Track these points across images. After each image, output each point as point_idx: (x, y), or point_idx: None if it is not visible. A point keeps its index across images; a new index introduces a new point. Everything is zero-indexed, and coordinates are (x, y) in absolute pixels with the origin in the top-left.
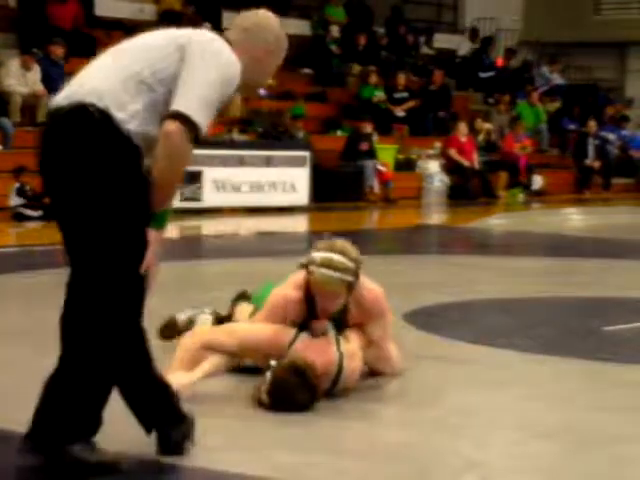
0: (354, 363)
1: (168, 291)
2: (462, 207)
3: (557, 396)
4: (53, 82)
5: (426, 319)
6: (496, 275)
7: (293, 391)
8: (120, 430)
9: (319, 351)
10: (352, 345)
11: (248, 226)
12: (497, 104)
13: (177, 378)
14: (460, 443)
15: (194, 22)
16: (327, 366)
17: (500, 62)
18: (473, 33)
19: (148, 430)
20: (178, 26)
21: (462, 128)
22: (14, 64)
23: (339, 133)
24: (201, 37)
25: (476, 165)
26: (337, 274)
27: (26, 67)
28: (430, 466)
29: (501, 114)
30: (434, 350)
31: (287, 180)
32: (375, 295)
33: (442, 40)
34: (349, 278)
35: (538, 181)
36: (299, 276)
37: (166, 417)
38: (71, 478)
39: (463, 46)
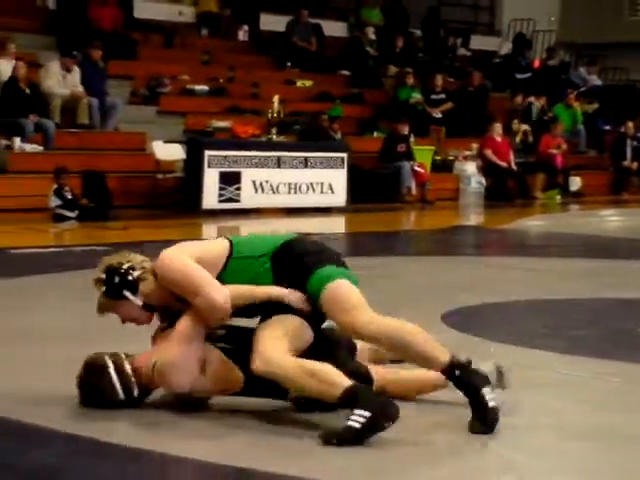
0: (162, 355)
1: None
2: (499, 208)
3: (594, 397)
4: (93, 84)
5: (463, 320)
6: (533, 276)
7: (89, 386)
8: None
9: (156, 348)
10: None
11: (286, 227)
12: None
13: None
14: (497, 444)
15: (231, 24)
16: (146, 362)
17: (537, 63)
18: (514, 35)
19: None
20: (216, 28)
21: (497, 129)
22: (54, 66)
23: (376, 134)
24: None
25: (512, 166)
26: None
27: (66, 69)
28: (467, 467)
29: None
30: (471, 351)
31: (325, 181)
32: (159, 263)
33: (479, 41)
34: (101, 290)
35: (576, 182)
36: None
37: None
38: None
39: (503, 47)
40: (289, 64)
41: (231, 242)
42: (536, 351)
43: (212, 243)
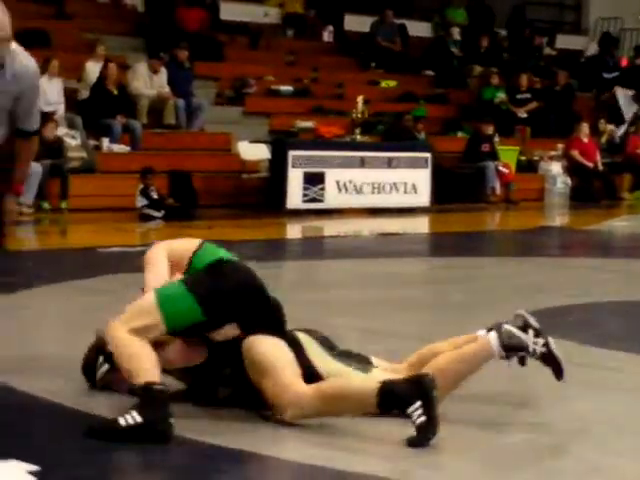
0: None
1: (290, 290)
2: (585, 209)
3: None
4: (179, 85)
5: (547, 321)
6: (618, 278)
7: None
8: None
9: None
10: None
11: (369, 227)
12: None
13: None
14: (582, 447)
15: (316, 25)
16: None
17: (624, 62)
18: (601, 33)
19: None
20: (301, 29)
21: (584, 129)
22: (141, 68)
23: (460, 134)
24: None
25: (599, 166)
26: None
27: (153, 70)
28: (553, 470)
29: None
30: None
31: (408, 181)
32: None
33: (565, 41)
34: None
35: None
36: None
37: None
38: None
39: (590, 48)
40: (373, 64)
41: (202, 243)
42: (619, 353)
43: (186, 240)
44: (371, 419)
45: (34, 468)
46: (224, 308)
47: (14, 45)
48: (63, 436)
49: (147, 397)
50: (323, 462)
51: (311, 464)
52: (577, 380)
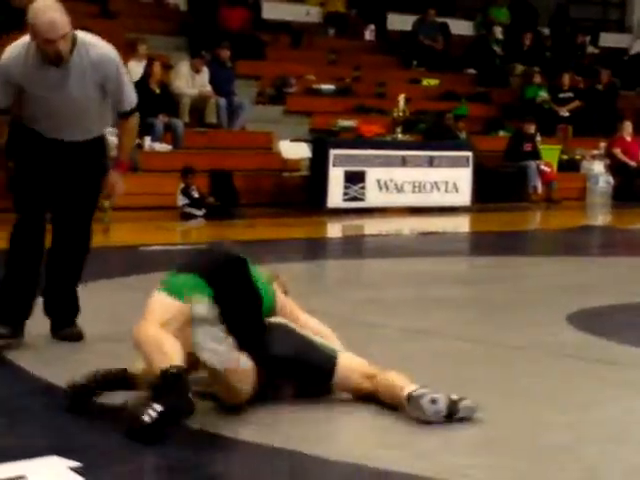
0: None
1: (331, 289)
2: (627, 208)
3: None
4: (221, 84)
5: (589, 321)
6: None
7: None
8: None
9: None
10: None
11: (410, 226)
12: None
13: None
14: (621, 448)
15: (358, 24)
16: None
17: None
18: None
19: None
20: (342, 28)
21: (627, 128)
22: (184, 67)
23: (501, 133)
24: None
25: None
26: None
27: (195, 70)
28: (591, 470)
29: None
30: (596, 353)
31: (449, 180)
32: None
33: (608, 39)
34: None
35: None
36: None
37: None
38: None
39: (634, 45)
40: (415, 63)
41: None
42: None
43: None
44: (398, 416)
45: (75, 464)
46: (221, 276)
47: (87, 37)
48: (104, 432)
49: (163, 383)
50: (357, 460)
51: (344, 461)
52: (617, 380)
